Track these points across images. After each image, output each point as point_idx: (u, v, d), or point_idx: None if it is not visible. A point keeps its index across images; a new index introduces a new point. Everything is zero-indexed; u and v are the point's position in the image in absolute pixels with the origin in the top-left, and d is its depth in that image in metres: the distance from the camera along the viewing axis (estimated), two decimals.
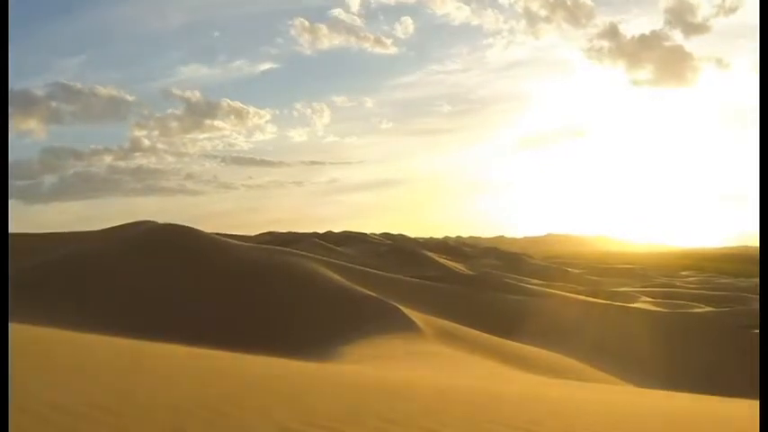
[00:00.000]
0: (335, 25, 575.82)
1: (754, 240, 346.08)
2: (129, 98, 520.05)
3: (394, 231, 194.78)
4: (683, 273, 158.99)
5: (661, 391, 22.82)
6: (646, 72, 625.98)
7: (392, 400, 8.57)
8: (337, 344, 32.83)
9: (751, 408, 14.85)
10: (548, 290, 76.60)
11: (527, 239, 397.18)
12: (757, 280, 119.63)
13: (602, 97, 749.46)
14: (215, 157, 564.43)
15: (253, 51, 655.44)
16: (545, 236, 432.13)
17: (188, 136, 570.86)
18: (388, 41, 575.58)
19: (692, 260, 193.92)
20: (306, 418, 5.77)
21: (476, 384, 14.30)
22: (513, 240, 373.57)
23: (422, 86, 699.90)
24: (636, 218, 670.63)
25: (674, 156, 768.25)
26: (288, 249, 66.67)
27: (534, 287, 77.46)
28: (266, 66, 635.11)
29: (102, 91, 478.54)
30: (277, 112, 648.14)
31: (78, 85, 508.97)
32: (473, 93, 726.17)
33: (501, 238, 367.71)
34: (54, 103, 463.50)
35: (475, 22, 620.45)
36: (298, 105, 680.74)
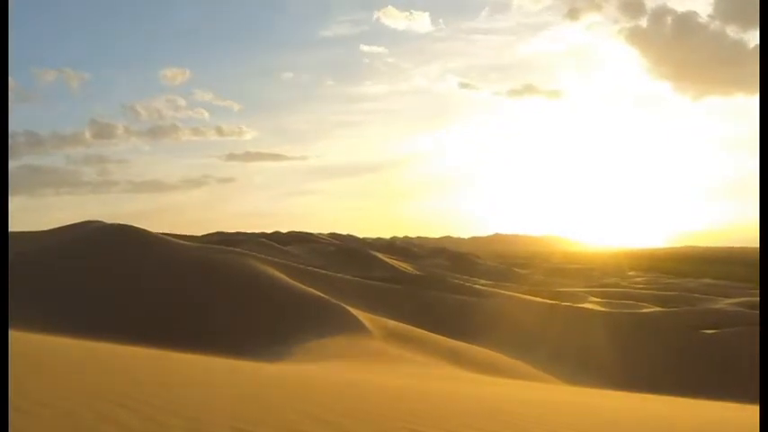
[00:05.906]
0: None
1: (697, 240, 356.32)
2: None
3: (342, 231, 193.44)
4: (630, 273, 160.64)
5: (602, 390, 23.25)
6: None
7: (326, 399, 8.38)
8: (282, 344, 32.93)
9: (695, 407, 14.30)
10: (497, 290, 76.38)
11: (474, 239, 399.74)
12: (706, 280, 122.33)
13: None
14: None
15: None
16: (492, 236, 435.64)
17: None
18: None
19: (638, 260, 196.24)
20: (220, 419, 5.67)
21: (411, 383, 14.16)
22: (461, 240, 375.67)
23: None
24: (582, 218, 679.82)
25: (620, 155, 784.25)
26: (234, 249, 65.46)
27: (483, 288, 77.18)
28: None
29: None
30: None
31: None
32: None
33: (448, 238, 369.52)
34: None
35: None
36: None
